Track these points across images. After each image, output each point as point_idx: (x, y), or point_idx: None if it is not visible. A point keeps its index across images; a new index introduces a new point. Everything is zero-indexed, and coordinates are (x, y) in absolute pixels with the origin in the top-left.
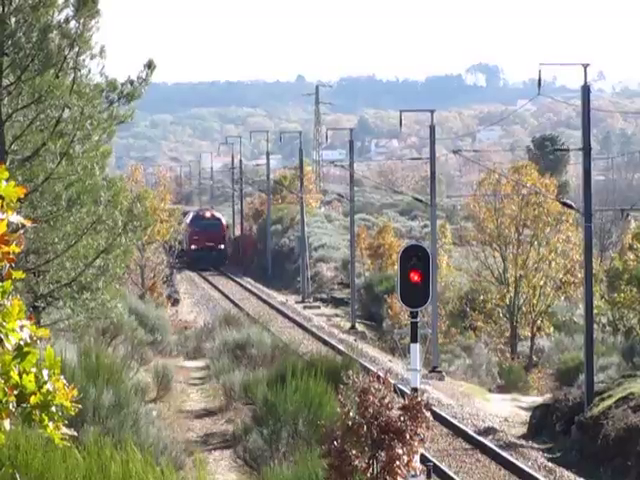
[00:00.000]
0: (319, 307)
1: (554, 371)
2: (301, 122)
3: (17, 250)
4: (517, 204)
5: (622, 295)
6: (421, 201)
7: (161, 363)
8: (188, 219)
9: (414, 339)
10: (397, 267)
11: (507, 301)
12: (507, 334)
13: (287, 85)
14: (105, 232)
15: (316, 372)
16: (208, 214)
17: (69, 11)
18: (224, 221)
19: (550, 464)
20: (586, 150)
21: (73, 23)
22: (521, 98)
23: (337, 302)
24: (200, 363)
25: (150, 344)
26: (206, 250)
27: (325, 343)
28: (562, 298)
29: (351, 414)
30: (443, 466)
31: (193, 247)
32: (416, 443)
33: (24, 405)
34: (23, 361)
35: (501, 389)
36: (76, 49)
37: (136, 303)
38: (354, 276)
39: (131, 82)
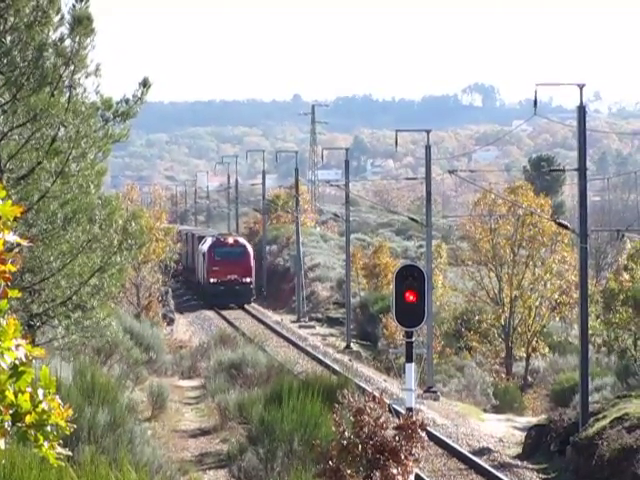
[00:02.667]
0: (314, 326)
1: (549, 391)
2: (297, 141)
3: (13, 269)
4: (513, 224)
5: (617, 316)
6: (417, 221)
7: (156, 382)
8: (206, 246)
9: (409, 359)
10: (392, 287)
11: (502, 321)
12: (502, 354)
13: (283, 104)
14: (100, 251)
15: (311, 392)
16: (231, 240)
17: (64, 30)
18: (250, 249)
19: None
20: (582, 171)
21: (68, 42)
22: (517, 118)
23: (332, 322)
24: (195, 382)
25: (145, 363)
26: (228, 284)
27: (320, 363)
28: (557, 318)
29: (346, 434)
30: None
31: (212, 280)
32: (411, 463)
33: (19, 424)
34: (18, 380)
35: (496, 409)
36: (71, 67)
37: (131, 322)
38: (349, 296)
39: (126, 101)
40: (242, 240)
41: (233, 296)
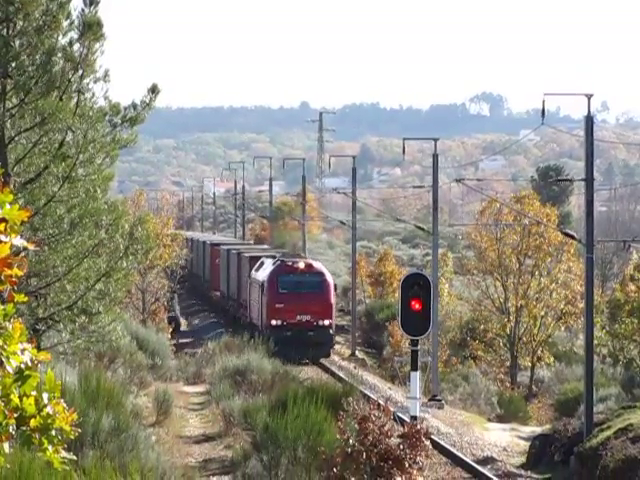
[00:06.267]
0: None
1: (554, 401)
2: (304, 149)
3: (20, 273)
4: (518, 234)
5: (623, 326)
6: (423, 229)
7: (161, 388)
8: (265, 273)
9: (414, 367)
10: (398, 295)
11: (508, 331)
12: (507, 364)
13: (291, 111)
14: (106, 255)
15: (316, 399)
16: (302, 264)
17: (74, 34)
18: (329, 277)
19: None
20: (589, 181)
21: (77, 46)
22: (524, 128)
23: (338, 329)
24: (200, 388)
25: (150, 369)
26: (298, 328)
27: (325, 370)
28: (563, 328)
29: (351, 441)
30: None
31: (275, 323)
32: (415, 471)
33: (24, 428)
34: (24, 384)
35: (500, 418)
36: (80, 72)
37: (137, 327)
38: (355, 303)
39: (134, 106)
40: (318, 265)
41: (305, 345)
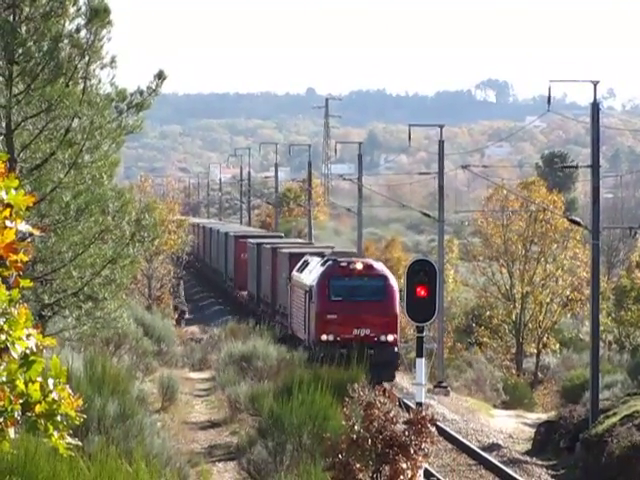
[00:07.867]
0: None
1: (559, 388)
2: (311, 135)
3: (25, 259)
4: (525, 220)
5: (629, 313)
6: (429, 216)
7: (167, 374)
8: (313, 275)
9: (420, 354)
10: (404, 281)
11: (513, 317)
12: (513, 350)
13: (297, 98)
14: (112, 242)
15: (322, 385)
16: (359, 265)
17: (80, 20)
18: (393, 280)
19: None
20: (595, 167)
21: (84, 33)
22: (530, 114)
23: None
24: (206, 374)
25: (156, 355)
26: (355, 345)
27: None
28: (568, 315)
29: (356, 427)
30: None
31: (325, 338)
32: (420, 458)
33: (29, 414)
34: (29, 370)
35: (506, 405)
36: (87, 59)
37: (142, 313)
38: None
39: (141, 92)
40: (379, 266)
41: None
